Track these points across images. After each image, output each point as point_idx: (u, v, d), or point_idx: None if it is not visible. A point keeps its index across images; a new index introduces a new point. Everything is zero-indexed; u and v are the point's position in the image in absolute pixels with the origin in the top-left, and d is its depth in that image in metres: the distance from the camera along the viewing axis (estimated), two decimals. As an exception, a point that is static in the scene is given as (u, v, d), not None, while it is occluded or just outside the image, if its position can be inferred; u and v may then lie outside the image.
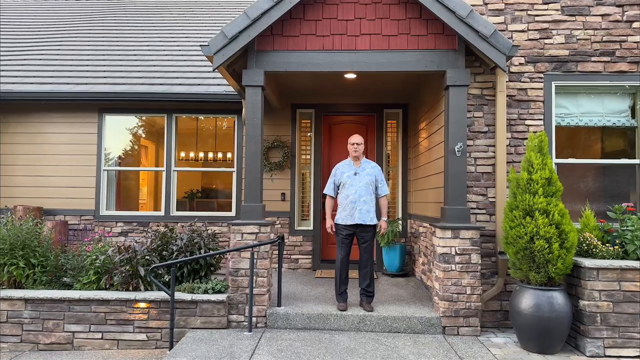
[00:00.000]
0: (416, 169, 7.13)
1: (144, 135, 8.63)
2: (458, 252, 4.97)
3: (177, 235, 5.57)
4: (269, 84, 5.80)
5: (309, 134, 7.76)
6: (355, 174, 5.24)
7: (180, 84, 7.70)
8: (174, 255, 5.32)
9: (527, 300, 4.49)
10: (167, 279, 5.39)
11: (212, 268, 5.57)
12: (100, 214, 7.71)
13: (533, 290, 4.49)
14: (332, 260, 7.56)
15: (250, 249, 4.97)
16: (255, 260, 5.04)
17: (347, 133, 7.68)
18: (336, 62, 5.26)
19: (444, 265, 4.97)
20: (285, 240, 7.52)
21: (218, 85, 7.59)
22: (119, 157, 8.29)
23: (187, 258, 4.73)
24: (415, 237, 7.11)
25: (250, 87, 5.26)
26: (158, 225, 7.36)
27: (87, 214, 7.72)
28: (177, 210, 7.81)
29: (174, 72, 8.22)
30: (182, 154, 9.53)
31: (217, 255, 5.49)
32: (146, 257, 5.41)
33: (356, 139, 5.33)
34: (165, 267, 5.18)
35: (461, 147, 5.05)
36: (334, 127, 7.87)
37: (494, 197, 5.34)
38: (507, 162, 5.34)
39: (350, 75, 6.36)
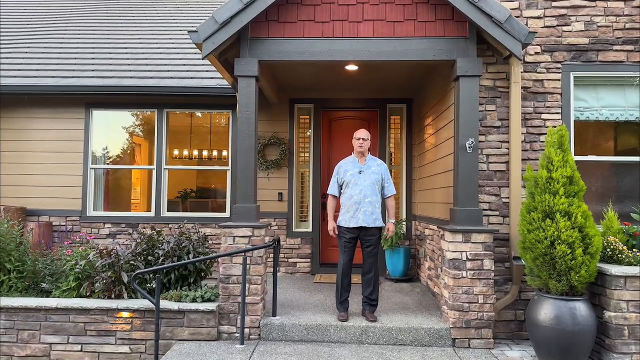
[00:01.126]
0: (421, 167, 6.71)
1: (134, 132, 8.21)
2: (469, 257, 4.55)
3: (164, 239, 5.15)
4: (264, 75, 5.38)
5: (308, 131, 7.34)
6: (360, 172, 4.82)
7: (171, 77, 7.28)
8: (160, 260, 4.90)
9: (547, 311, 4.06)
10: (153, 286, 4.98)
11: (202, 274, 5.15)
12: (87, 215, 7.30)
13: (553, 300, 4.07)
14: (332, 264, 7.15)
15: (243, 254, 4.55)
16: (248, 266, 4.62)
17: (348, 129, 7.29)
18: (336, 51, 4.85)
19: (454, 272, 4.55)
20: (283, 243, 7.10)
21: (211, 78, 7.18)
22: (108, 155, 7.88)
23: (173, 264, 4.31)
24: (420, 240, 6.69)
25: (243, 78, 4.84)
26: (144, 228, 6.94)
27: (73, 214, 7.30)
28: (169, 211, 7.39)
29: (165, 65, 7.81)
30: (176, 152, 9.15)
31: (208, 260, 5.06)
32: (131, 262, 5.00)
33: (362, 133, 4.91)
34: (150, 273, 4.77)
35: (473, 142, 4.63)
36: (334, 123, 7.45)
37: (508, 198, 4.91)
38: (522, 160, 4.91)
39: (352, 67, 5.94)
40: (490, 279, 4.55)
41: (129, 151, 8.26)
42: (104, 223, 7.28)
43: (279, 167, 7.18)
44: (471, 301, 4.53)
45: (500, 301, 4.79)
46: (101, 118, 7.58)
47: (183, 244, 4.99)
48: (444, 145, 5.44)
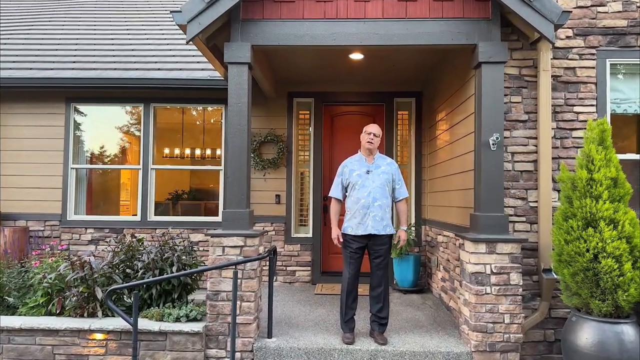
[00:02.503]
0: (433, 167, 6.11)
1: (121, 129, 7.59)
2: (494, 270, 3.96)
3: (143, 248, 4.54)
4: (258, 63, 4.78)
5: (308, 127, 6.74)
6: (368, 172, 4.19)
7: (158, 69, 6.67)
8: (139, 273, 4.30)
9: (588, 335, 3.47)
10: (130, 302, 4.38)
11: (187, 288, 4.55)
12: (68, 219, 6.69)
13: (596, 323, 3.48)
14: (334, 273, 6.55)
15: (234, 267, 3.95)
16: (239, 280, 4.02)
17: (352, 126, 6.70)
18: (341, 34, 4.24)
19: (477, 288, 3.95)
20: (280, 250, 6.50)
21: (202, 70, 6.57)
22: (92, 154, 7.27)
23: (151, 279, 3.71)
24: (431, 247, 6.09)
25: (233, 65, 4.24)
26: (125, 235, 6.29)
27: (53, 218, 6.70)
28: (157, 214, 6.79)
29: (153, 56, 7.19)
30: (166, 151, 8.57)
31: (195, 273, 4.45)
32: (107, 275, 4.40)
33: (374, 128, 4.27)
34: (127, 288, 4.17)
35: (497, 139, 4.03)
36: (336, 119, 6.84)
37: (536, 202, 4.32)
38: (552, 158, 4.31)
39: (357, 56, 5.34)
40: (518, 295, 3.96)
41: (114, 150, 7.65)
42: (86, 228, 6.67)
43: (276, 167, 6.58)
44: (496, 321, 3.94)
45: (527, 320, 4.20)
46: (83, 114, 6.98)
47: (166, 255, 4.38)
48: (461, 142, 4.84)
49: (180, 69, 6.64)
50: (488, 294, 3.96)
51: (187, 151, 8.61)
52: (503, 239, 3.97)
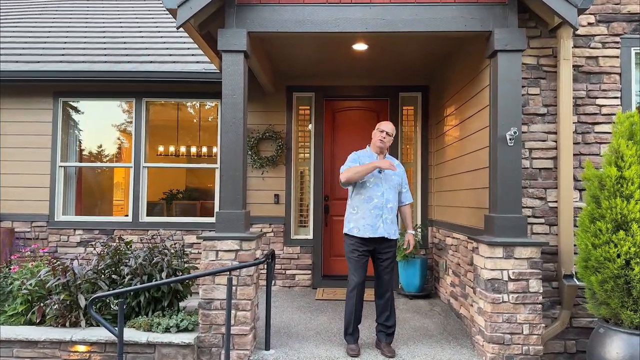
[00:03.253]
0: (440, 164, 5.78)
1: (113, 126, 7.26)
2: (512, 277, 3.63)
3: (131, 252, 4.20)
4: (255, 52, 4.45)
5: (308, 123, 6.41)
6: (381, 172, 3.85)
7: (151, 62, 6.34)
8: (126, 279, 3.97)
9: (619, 349, 3.14)
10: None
11: (179, 295, 4.21)
12: (56, 220, 6.35)
13: (627, 336, 3.14)
14: (336, 277, 6.22)
15: (228, 273, 3.62)
16: (234, 288, 3.69)
17: (355, 122, 6.38)
18: (344, 20, 3.91)
19: (493, 295, 3.63)
20: (279, 252, 6.16)
21: (197, 62, 6.24)
22: (81, 151, 6.94)
23: (137, 287, 3.38)
24: (439, 250, 5.76)
25: (228, 53, 3.91)
26: (111, 236, 5.97)
27: (40, 219, 6.36)
28: (150, 215, 6.46)
29: (145, 49, 6.86)
30: (161, 148, 8.21)
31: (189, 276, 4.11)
32: (92, 281, 4.07)
33: (388, 127, 3.92)
34: (113, 296, 3.84)
35: (515, 133, 3.71)
36: (338, 115, 6.50)
37: (556, 202, 3.99)
38: (574, 155, 3.98)
39: (361, 46, 5.01)
40: (538, 303, 3.63)
41: (105, 148, 7.32)
42: (75, 229, 6.34)
43: (275, 165, 6.24)
44: (514, 332, 3.61)
45: (547, 330, 3.87)
46: (72, 109, 6.66)
47: (155, 259, 4.04)
48: (472, 138, 4.51)
49: (174, 62, 6.31)
50: (505, 302, 3.63)
51: (183, 149, 8.27)
52: (522, 243, 3.65)
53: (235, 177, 3.87)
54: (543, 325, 3.68)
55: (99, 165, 7.26)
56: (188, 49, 6.72)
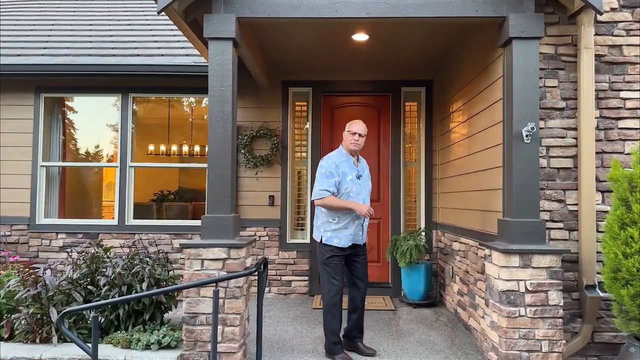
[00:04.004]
0: (446, 164, 5.42)
1: (100, 123, 6.89)
2: (529, 288, 3.27)
3: (109, 260, 3.83)
4: (246, 40, 4.07)
5: (305, 120, 6.04)
6: (359, 177, 3.71)
7: (137, 55, 5.97)
8: (103, 290, 3.60)
9: (653, 371, 2.78)
10: (99, 322, 3.69)
11: (163, 307, 3.84)
12: (37, 223, 5.98)
13: (663, 357, 2.79)
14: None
15: (214, 285, 3.25)
16: (221, 300, 3.33)
17: (354, 119, 5.89)
18: (344, 4, 3.55)
19: (508, 309, 3.27)
20: (274, 257, 5.80)
21: (186, 55, 5.87)
22: (65, 150, 6.57)
23: (110, 300, 3.00)
24: (445, 255, 5.40)
25: (215, 41, 3.54)
26: (96, 240, 5.58)
27: (21, 222, 5.99)
28: (137, 217, 6.07)
29: (133, 42, 6.49)
30: (151, 147, 7.85)
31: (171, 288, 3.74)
32: (67, 292, 3.70)
33: (361, 128, 3.73)
34: (85, 310, 3.46)
35: (533, 129, 3.35)
36: (337, 111, 6.14)
37: (576, 204, 3.63)
38: (596, 153, 3.62)
39: (361, 37, 4.65)
40: (559, 317, 3.27)
41: (91, 146, 6.96)
42: (57, 233, 5.97)
43: (269, 165, 5.88)
44: (532, 349, 3.25)
45: (567, 346, 3.51)
46: (55, 106, 6.29)
47: (135, 269, 3.67)
48: (483, 135, 4.16)
49: (162, 55, 5.94)
50: (522, 316, 3.27)
51: (174, 148, 7.91)
52: (540, 250, 3.29)
53: (224, 177, 3.51)
54: (564, 341, 3.32)
55: (82, 165, 6.86)
56: (178, 41, 6.36)
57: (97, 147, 7.16)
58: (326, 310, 3.62)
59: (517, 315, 3.27)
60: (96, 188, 8.15)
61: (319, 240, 3.67)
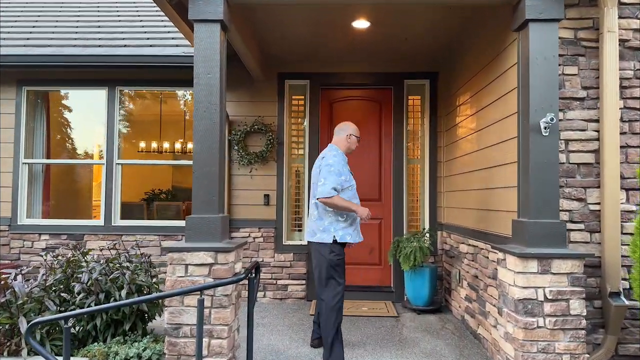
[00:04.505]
0: (452, 161, 5.10)
1: (86, 118, 6.57)
2: (549, 296, 2.95)
3: (87, 264, 3.50)
4: (237, 24, 3.75)
5: (302, 115, 5.71)
6: (353, 176, 3.73)
7: (125, 45, 5.64)
8: (78, 298, 3.27)
9: (693, 392, 2.46)
10: (76, 332, 3.38)
11: (146, 315, 3.52)
12: (19, 224, 5.66)
13: None
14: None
15: (199, 294, 2.92)
16: (208, 310, 3.00)
17: (354, 113, 5.70)
18: (343, -17, 3.23)
19: (525, 319, 2.94)
20: (270, 260, 5.48)
21: (176, 46, 5.55)
22: (49, 147, 6.23)
23: (81, 311, 2.67)
24: (451, 258, 5.07)
25: (201, 24, 3.22)
26: (80, 242, 5.26)
27: (2, 222, 5.66)
28: (125, 218, 5.75)
29: (121, 32, 6.16)
30: (142, 145, 7.53)
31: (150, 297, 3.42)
32: (40, 299, 3.37)
33: (358, 130, 3.83)
34: (56, 320, 3.14)
35: (552, 120, 3.02)
36: (336, 106, 5.81)
37: (598, 203, 3.31)
38: (620, 147, 3.30)
39: (362, 24, 4.34)
40: (581, 329, 2.95)
41: (77, 143, 6.63)
42: (40, 234, 5.64)
43: (265, 162, 5.56)
44: (551, 364, 2.93)
45: (590, 359, 3.19)
46: (38, 100, 5.96)
47: (113, 274, 3.35)
48: (494, 129, 3.84)
49: (151, 46, 5.62)
50: (541, 327, 2.95)
51: (166, 145, 7.58)
52: (561, 255, 2.97)
53: (210, 174, 3.18)
54: (587, 355, 3.00)
55: (65, 162, 6.50)
56: (168, 32, 6.05)
57: (84, 144, 6.83)
58: (331, 317, 3.43)
59: (535, 326, 2.95)
60: (87, 187, 7.82)
61: (330, 241, 3.49)
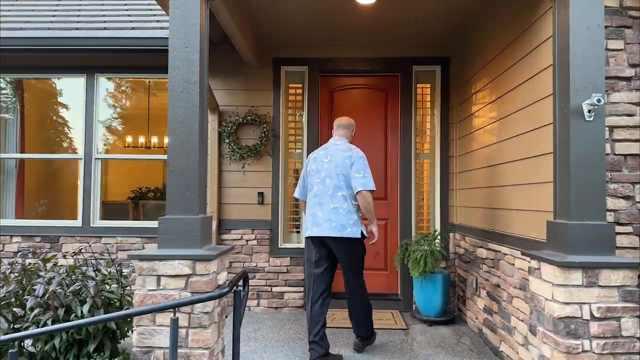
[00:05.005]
0: (467, 154, 4.59)
1: (65, 108, 6.05)
2: (596, 314, 2.44)
3: (45, 273, 2.98)
4: (225, 2, 3.24)
5: (300, 105, 5.20)
6: None
7: (105, 28, 5.12)
8: (32, 314, 2.76)
9: None
10: (36, 351, 2.87)
11: (115, 335, 3.00)
12: (-11, 225, 5.15)
13: None
14: (335, 294, 4.99)
15: (172, 311, 2.41)
16: (184, 330, 2.49)
17: (358, 103, 5.19)
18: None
19: (568, 342, 2.43)
20: (264, 265, 4.97)
21: (161, 29, 5.02)
22: (23, 140, 5.72)
23: (25, 334, 2.16)
24: (466, 263, 4.56)
25: (178, -13, 2.70)
26: (40, 246, 4.77)
27: (-30, 224, 5.15)
28: (105, 218, 5.25)
29: (102, 16, 5.64)
30: (129, 139, 7.00)
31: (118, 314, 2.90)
32: (-10, 315, 2.86)
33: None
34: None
35: (600, 101, 2.50)
36: (337, 95, 5.29)
37: (649, 202, 2.80)
38: (675, 135, 2.80)
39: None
40: (635, 353, 2.44)
41: (54, 136, 6.10)
42: (12, 236, 5.13)
43: (259, 157, 5.04)
44: (599, 395, 2.42)
45: (640, 388, 2.67)
46: (10, 89, 5.45)
47: (76, 286, 2.83)
48: (521, 116, 3.32)
49: (132, 28, 5.09)
50: (586, 351, 2.44)
51: (155, 140, 7.05)
52: (610, 264, 2.46)
53: (188, 169, 2.67)
54: (641, 385, 2.49)
55: (40, 157, 5.91)
56: (154, 15, 5.51)
57: (64, 138, 6.30)
58: (368, 311, 3.61)
59: (580, 350, 2.44)
60: (72, 186, 7.30)
61: (359, 236, 3.46)
